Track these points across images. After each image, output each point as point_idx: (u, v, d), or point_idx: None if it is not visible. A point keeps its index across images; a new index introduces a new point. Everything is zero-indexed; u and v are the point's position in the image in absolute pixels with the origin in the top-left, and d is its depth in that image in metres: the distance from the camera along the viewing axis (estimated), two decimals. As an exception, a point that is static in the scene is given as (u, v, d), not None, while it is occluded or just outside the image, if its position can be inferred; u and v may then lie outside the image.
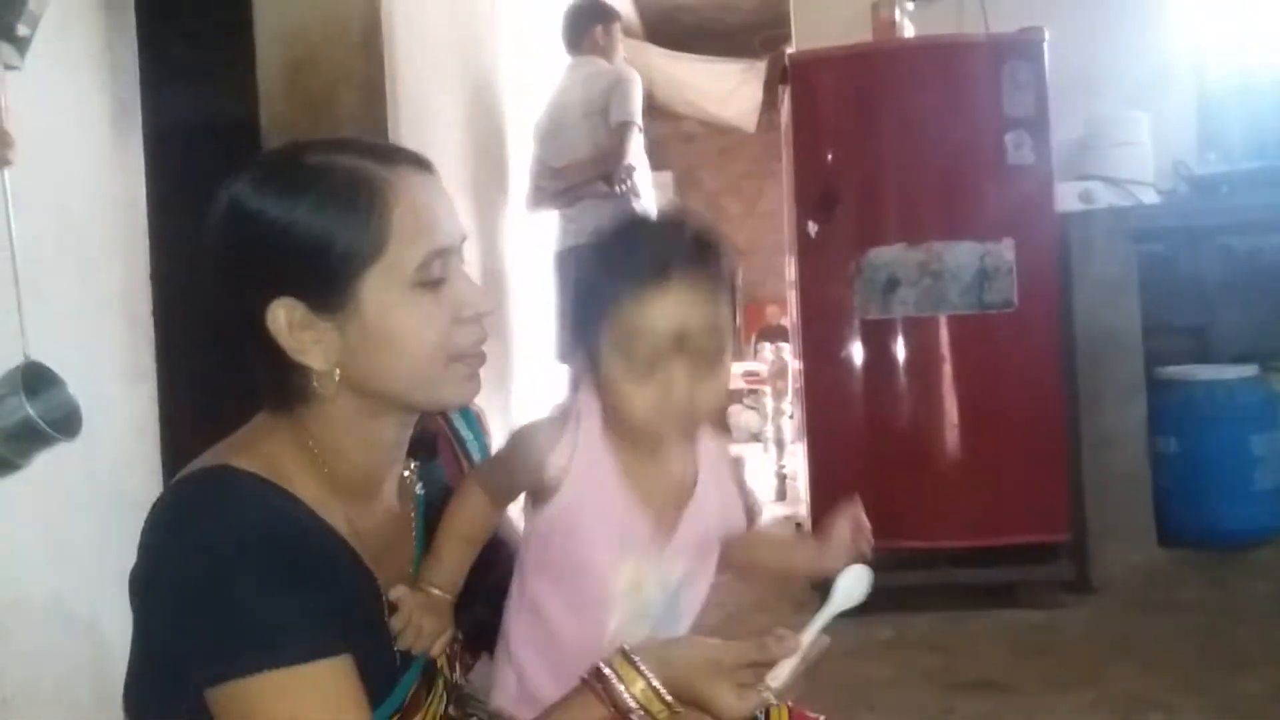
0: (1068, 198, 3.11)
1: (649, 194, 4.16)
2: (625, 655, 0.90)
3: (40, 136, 1.49)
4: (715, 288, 0.94)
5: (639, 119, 3.96)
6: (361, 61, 2.86)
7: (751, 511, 1.14)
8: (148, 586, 0.87)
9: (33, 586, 1.55)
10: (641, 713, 0.88)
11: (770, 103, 6.99)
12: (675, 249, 0.93)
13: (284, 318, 0.89)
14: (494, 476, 1.02)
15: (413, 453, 1.06)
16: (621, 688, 0.88)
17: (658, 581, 0.98)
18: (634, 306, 0.92)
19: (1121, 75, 3.46)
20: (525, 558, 1.02)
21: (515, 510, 1.11)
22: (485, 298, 0.95)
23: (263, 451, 0.92)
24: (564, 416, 1.00)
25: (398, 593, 0.96)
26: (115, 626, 1.67)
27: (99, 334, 1.71)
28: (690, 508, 1.00)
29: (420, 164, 0.94)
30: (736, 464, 1.12)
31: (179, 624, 0.85)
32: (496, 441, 1.14)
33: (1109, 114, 3.39)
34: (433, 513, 1.05)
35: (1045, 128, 2.87)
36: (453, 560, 1.00)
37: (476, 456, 1.16)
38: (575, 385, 1.07)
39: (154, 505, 0.90)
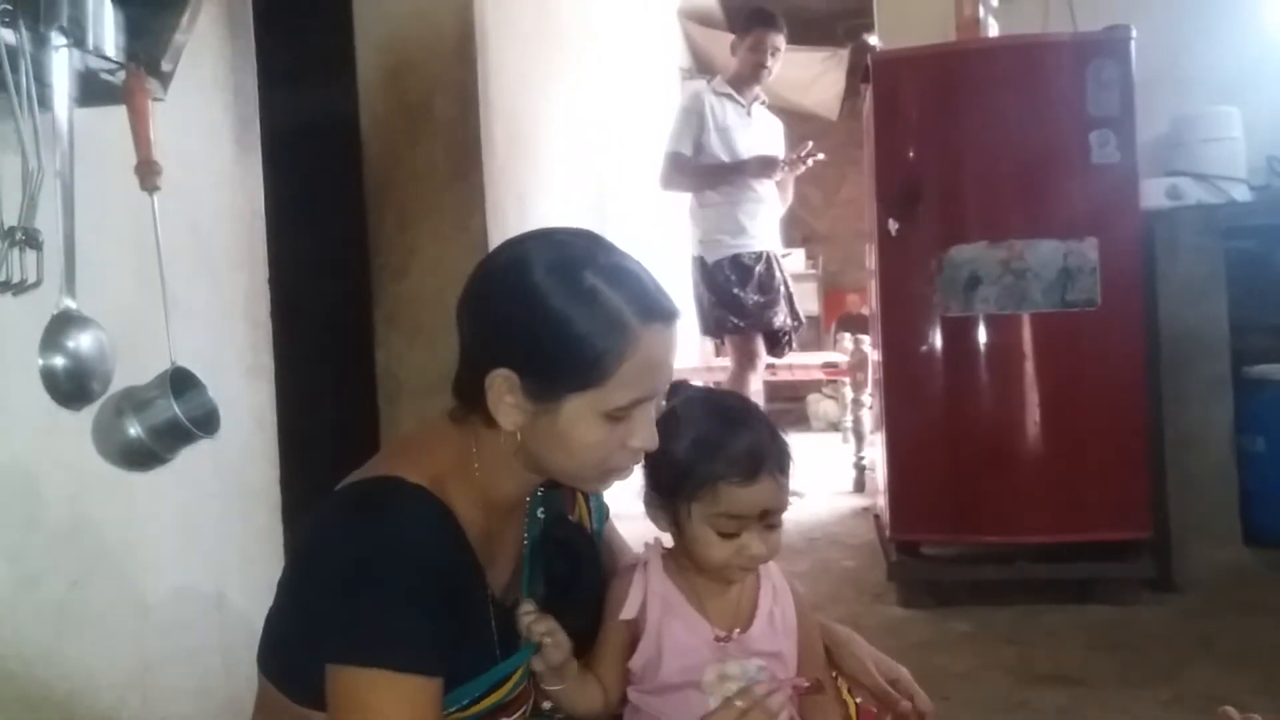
0: (1154, 194, 3.08)
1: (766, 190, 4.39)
2: None
3: (175, 157, 1.63)
4: (786, 471, 1.18)
5: (677, 145, 4.37)
6: (456, 69, 2.99)
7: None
8: (314, 560, 1.04)
9: (167, 566, 1.70)
10: None
11: (853, 89, 6.96)
12: (761, 446, 1.16)
13: (500, 384, 1.04)
14: (600, 658, 1.20)
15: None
16: None
17: (739, 670, 1.15)
18: (730, 491, 1.15)
19: (1211, 70, 3.39)
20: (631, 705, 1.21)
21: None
22: (654, 438, 1.09)
23: (429, 463, 1.07)
24: (631, 570, 1.23)
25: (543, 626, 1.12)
26: (238, 602, 1.82)
27: (225, 336, 1.86)
28: (753, 628, 1.20)
29: (670, 318, 1.06)
30: (807, 618, 1.29)
31: (327, 602, 1.00)
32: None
33: (1198, 110, 3.34)
34: (547, 536, 1.20)
35: (1131, 126, 2.86)
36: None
37: None
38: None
39: (335, 493, 1.06)
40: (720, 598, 1.21)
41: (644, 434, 1.07)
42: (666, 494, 1.20)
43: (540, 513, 1.21)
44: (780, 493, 1.17)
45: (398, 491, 1.03)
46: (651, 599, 1.19)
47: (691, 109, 4.40)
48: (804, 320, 4.65)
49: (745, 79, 4.41)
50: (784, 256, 4.64)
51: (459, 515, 1.06)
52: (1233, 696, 2.19)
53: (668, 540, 1.24)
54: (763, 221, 4.37)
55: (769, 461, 1.15)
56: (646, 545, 1.26)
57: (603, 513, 1.33)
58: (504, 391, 1.04)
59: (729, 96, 4.41)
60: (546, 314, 1.01)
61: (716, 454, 1.16)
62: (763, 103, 4.51)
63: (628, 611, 1.18)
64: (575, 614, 1.17)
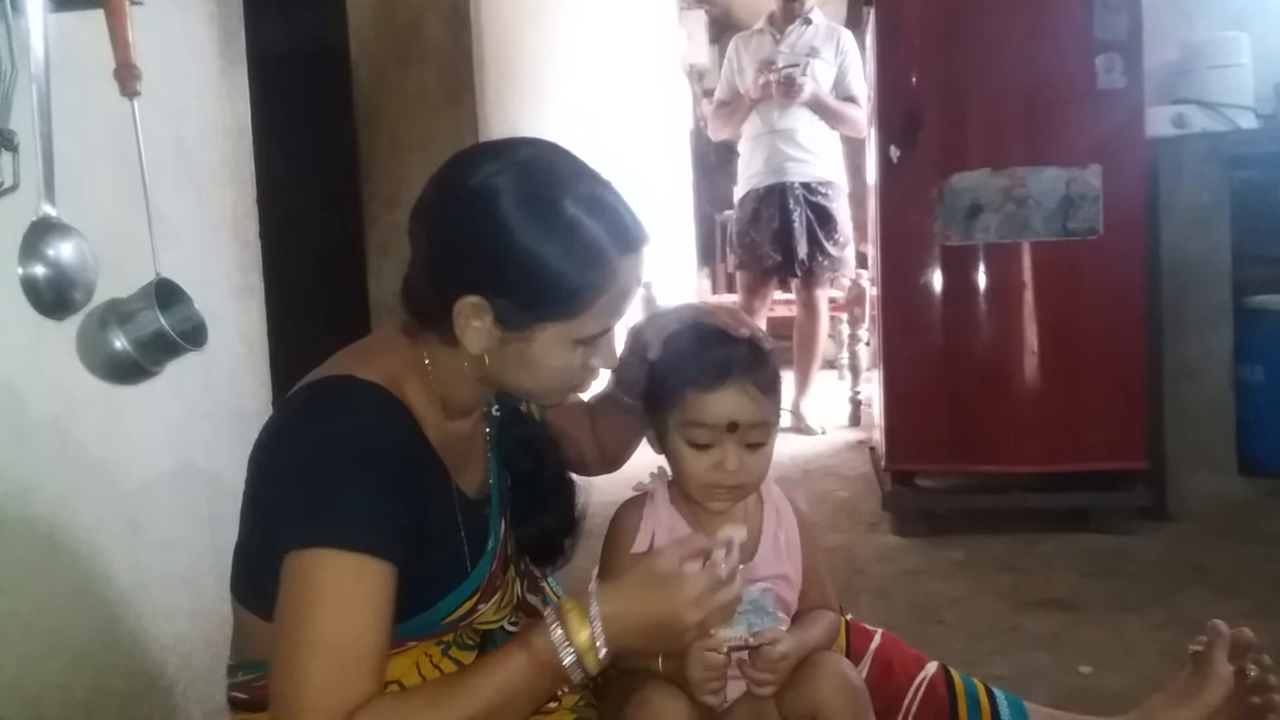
0: (1160, 122, 3.03)
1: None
2: (577, 602, 1.01)
3: (157, 68, 1.59)
4: (764, 386, 1.16)
5: (717, 93, 4.64)
6: (448, -11, 2.91)
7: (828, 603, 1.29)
8: (265, 463, 1.04)
9: (160, 485, 1.69)
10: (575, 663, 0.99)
11: (854, 19, 6.83)
12: (732, 355, 1.15)
13: (468, 310, 1.01)
14: (607, 569, 1.21)
15: None
16: (561, 633, 0.99)
17: (744, 593, 1.13)
18: (696, 397, 1.15)
19: (1220, -4, 3.33)
20: None
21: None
22: (614, 357, 1.12)
23: (383, 363, 1.06)
24: (641, 499, 1.24)
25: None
26: (230, 522, 1.81)
27: (212, 255, 1.82)
28: (758, 556, 1.21)
29: (643, 245, 1.07)
30: (812, 538, 1.28)
31: (280, 496, 1.01)
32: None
33: (1206, 36, 3.27)
34: (504, 435, 1.21)
35: (1138, 51, 2.80)
36: None
37: None
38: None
39: (286, 399, 1.06)
40: (726, 524, 1.19)
41: (605, 354, 1.10)
42: (651, 408, 1.21)
43: (495, 410, 1.22)
44: (751, 405, 1.14)
45: (348, 387, 1.02)
46: (659, 529, 1.21)
47: (728, 55, 4.50)
48: (835, 255, 4.36)
49: (780, 13, 4.42)
50: (820, 185, 4.33)
51: (415, 412, 1.06)
52: (1224, 621, 2.20)
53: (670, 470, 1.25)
54: (780, 153, 4.31)
55: (737, 370, 1.14)
56: (652, 475, 1.27)
57: None
58: (473, 317, 1.02)
59: (761, 32, 4.43)
60: (525, 248, 0.99)
61: (687, 359, 1.17)
62: (806, 22, 4.35)
63: (639, 546, 1.20)
64: (543, 509, 1.21)
